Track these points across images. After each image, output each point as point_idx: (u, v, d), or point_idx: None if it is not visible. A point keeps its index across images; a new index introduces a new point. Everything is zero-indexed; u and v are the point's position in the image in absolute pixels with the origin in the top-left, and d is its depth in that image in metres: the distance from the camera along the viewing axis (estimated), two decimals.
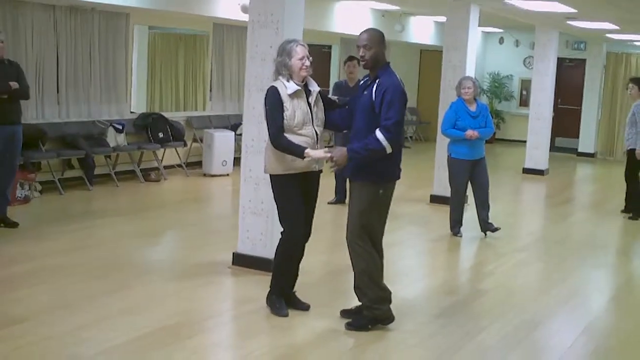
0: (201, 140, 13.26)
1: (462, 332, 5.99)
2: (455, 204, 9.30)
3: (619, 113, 19.61)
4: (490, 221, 9.23)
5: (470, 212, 9.74)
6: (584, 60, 19.84)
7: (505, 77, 20.97)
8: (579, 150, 19.66)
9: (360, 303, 5.87)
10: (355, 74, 10.52)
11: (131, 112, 12.61)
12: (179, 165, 13.14)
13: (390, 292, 5.84)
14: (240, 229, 7.34)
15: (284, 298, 6.13)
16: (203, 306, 6.40)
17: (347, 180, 5.96)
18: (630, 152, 11.13)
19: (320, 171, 5.95)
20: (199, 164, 13.29)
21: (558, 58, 16.24)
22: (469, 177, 9.13)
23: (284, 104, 5.69)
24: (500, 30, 20.65)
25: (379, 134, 5.45)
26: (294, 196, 5.83)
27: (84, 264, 7.34)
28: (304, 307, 6.17)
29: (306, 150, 5.64)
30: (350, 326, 5.80)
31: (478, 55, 17.45)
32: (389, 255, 7.27)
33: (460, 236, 9.22)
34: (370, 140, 5.47)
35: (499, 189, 12.37)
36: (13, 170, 8.64)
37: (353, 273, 5.83)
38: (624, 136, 11.62)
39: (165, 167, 12.71)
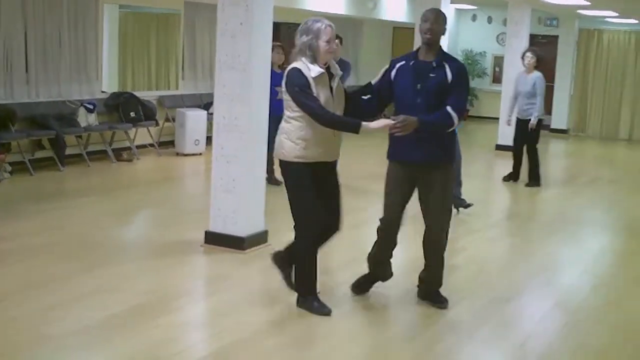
0: (173, 120, 13.19)
1: (435, 307, 6.01)
2: None
3: (591, 89, 19.73)
4: (462, 197, 9.27)
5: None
6: (556, 37, 19.88)
7: (478, 54, 20.99)
8: (552, 126, 19.73)
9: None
10: (337, 53, 10.45)
11: (102, 92, 12.51)
12: (151, 145, 13.08)
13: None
14: (212, 207, 7.32)
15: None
16: (175, 285, 6.40)
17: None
18: (534, 123, 11.40)
19: (335, 161, 5.71)
20: (171, 143, 13.23)
21: (531, 34, 16.26)
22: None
23: (311, 86, 5.36)
24: (473, 7, 20.65)
25: (451, 111, 5.49)
26: (308, 187, 5.50)
27: (56, 244, 7.30)
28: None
29: (363, 123, 5.34)
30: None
31: (451, 32, 17.43)
32: (363, 233, 7.30)
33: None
34: (443, 116, 5.49)
35: (471, 165, 12.40)
36: None
37: None
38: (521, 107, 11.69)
39: (137, 147, 12.63)
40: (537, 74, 11.42)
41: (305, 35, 5.42)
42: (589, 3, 14.77)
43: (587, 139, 19.38)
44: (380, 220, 5.93)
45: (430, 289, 6.02)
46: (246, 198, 7.20)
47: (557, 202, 11.02)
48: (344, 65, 10.43)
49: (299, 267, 5.73)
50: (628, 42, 19.37)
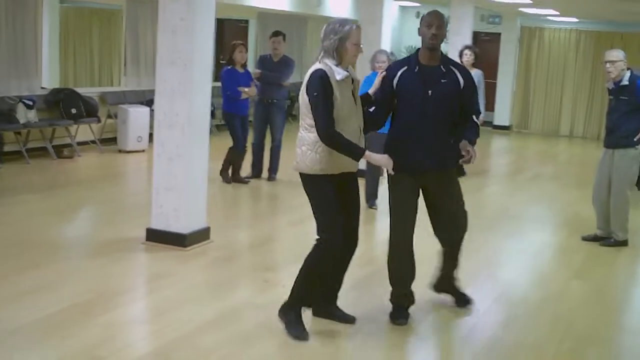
0: (116, 116, 13.04)
1: (378, 302, 6.02)
2: (370, 177, 9.35)
3: (533, 87, 19.98)
4: None
5: (385, 185, 9.78)
6: (499, 35, 20.11)
7: None
8: (495, 123, 19.96)
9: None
10: (281, 49, 10.51)
11: (42, 88, 12.31)
12: (93, 142, 12.90)
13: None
14: (154, 205, 7.25)
15: (324, 311, 5.60)
16: (115, 283, 6.32)
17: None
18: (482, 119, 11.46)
19: (356, 172, 5.50)
20: (113, 140, 13.07)
21: (474, 32, 16.40)
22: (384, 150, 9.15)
23: (334, 92, 5.05)
24: (417, 5, 20.75)
25: (475, 119, 5.73)
26: (333, 199, 5.19)
27: None
28: (350, 320, 5.59)
29: (367, 152, 5.18)
30: None
31: (394, 29, 17.52)
32: (306, 229, 7.28)
33: (376, 209, 9.28)
34: (474, 127, 5.69)
35: None
36: None
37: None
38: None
39: (79, 144, 12.43)
40: (478, 72, 11.50)
41: (333, 35, 5.11)
42: (530, 1, 14.95)
43: (529, 135, 19.62)
44: (392, 244, 5.68)
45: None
46: (188, 195, 7.14)
47: (499, 198, 11.13)
48: (287, 63, 10.57)
49: (304, 277, 5.31)
50: (568, 41, 19.65)
